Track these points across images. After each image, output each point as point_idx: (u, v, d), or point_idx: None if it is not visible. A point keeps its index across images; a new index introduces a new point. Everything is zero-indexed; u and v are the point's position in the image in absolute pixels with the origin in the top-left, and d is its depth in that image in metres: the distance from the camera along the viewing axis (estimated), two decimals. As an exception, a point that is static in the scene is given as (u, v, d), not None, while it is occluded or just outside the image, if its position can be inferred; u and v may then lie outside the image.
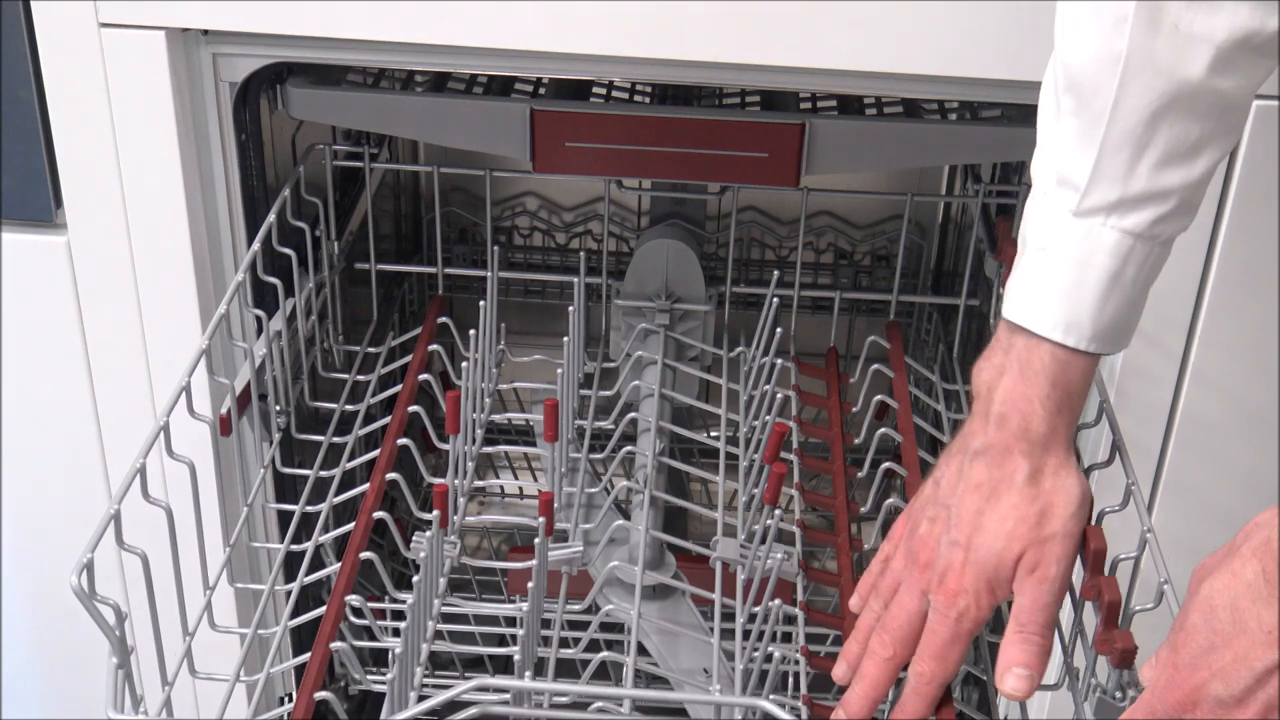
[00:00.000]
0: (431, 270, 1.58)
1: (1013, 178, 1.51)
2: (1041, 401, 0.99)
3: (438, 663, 1.54)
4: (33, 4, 1.18)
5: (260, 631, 1.16)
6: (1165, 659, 0.85)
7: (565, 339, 1.31)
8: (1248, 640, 0.81)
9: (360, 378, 1.45)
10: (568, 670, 1.30)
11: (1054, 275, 0.98)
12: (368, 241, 1.52)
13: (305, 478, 1.30)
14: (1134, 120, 0.93)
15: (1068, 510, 1.00)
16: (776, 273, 1.45)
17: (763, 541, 1.17)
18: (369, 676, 1.13)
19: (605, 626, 1.22)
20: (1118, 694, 0.97)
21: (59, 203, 1.26)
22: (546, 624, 1.24)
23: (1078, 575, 1.04)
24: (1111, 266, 0.96)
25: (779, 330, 1.37)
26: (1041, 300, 0.98)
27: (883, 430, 1.32)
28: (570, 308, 1.35)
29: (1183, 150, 0.94)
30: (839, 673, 1.07)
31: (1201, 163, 0.95)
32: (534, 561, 1.10)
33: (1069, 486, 1.00)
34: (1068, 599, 1.07)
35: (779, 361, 1.35)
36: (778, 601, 1.08)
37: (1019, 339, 0.99)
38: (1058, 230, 0.97)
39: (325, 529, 1.22)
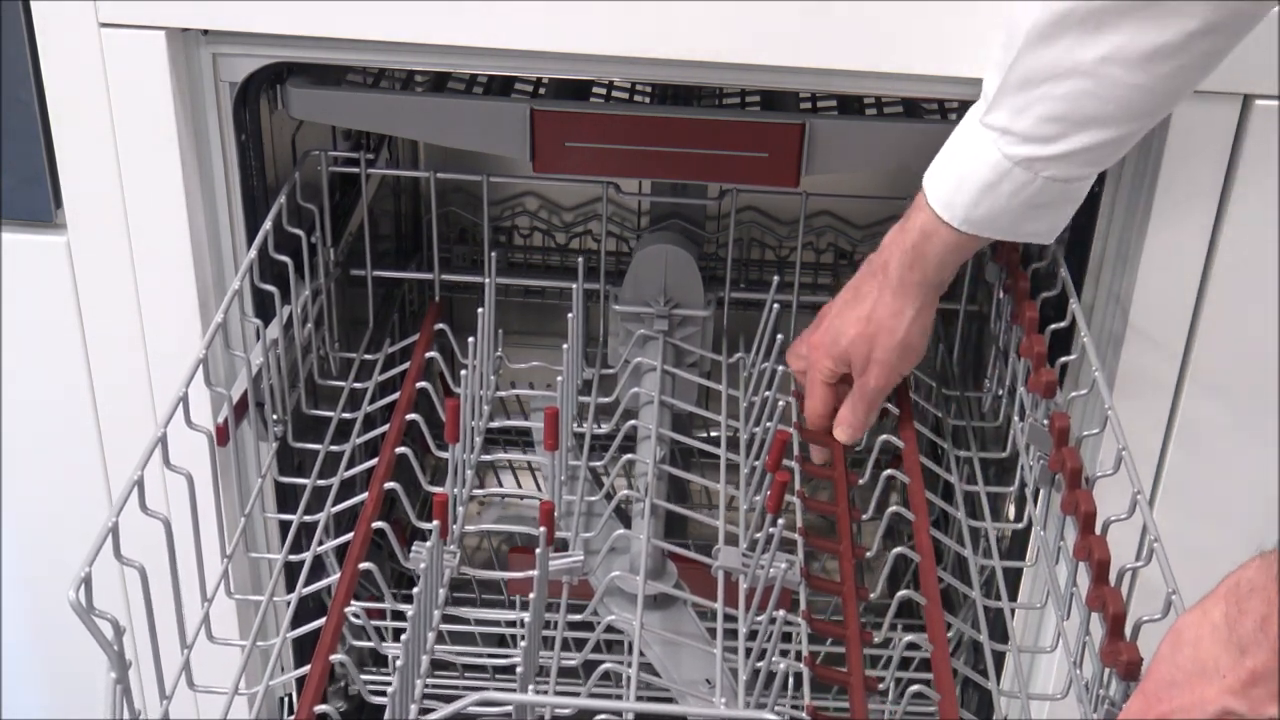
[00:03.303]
0: (429, 276, 1.57)
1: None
2: (903, 253, 1.19)
3: (438, 665, 1.53)
4: (33, 4, 1.17)
5: (260, 643, 1.15)
6: (1139, 685, 0.89)
7: (564, 346, 1.30)
8: (1205, 682, 0.83)
9: (358, 385, 1.44)
10: (569, 675, 1.29)
11: (952, 160, 1.14)
12: (365, 245, 1.51)
13: (304, 486, 1.30)
14: (1030, 74, 1.05)
15: (886, 346, 1.23)
16: (776, 278, 1.45)
17: (765, 550, 1.16)
18: (370, 681, 1.13)
19: (607, 631, 1.21)
20: (1125, 705, 0.97)
21: (59, 203, 1.26)
22: (548, 624, 1.23)
23: (1082, 579, 1.04)
24: (989, 177, 1.10)
25: (779, 336, 1.36)
26: (938, 172, 1.15)
27: (883, 436, 1.31)
28: (570, 314, 1.34)
29: (1071, 115, 1.05)
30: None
31: (1089, 134, 1.06)
32: (535, 572, 1.09)
33: (894, 329, 1.22)
34: (1075, 610, 1.07)
35: (779, 368, 1.35)
36: (781, 612, 1.08)
37: (921, 193, 1.16)
38: (968, 126, 1.13)
39: (324, 538, 1.21)
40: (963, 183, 1.12)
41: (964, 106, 1.32)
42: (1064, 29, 1.02)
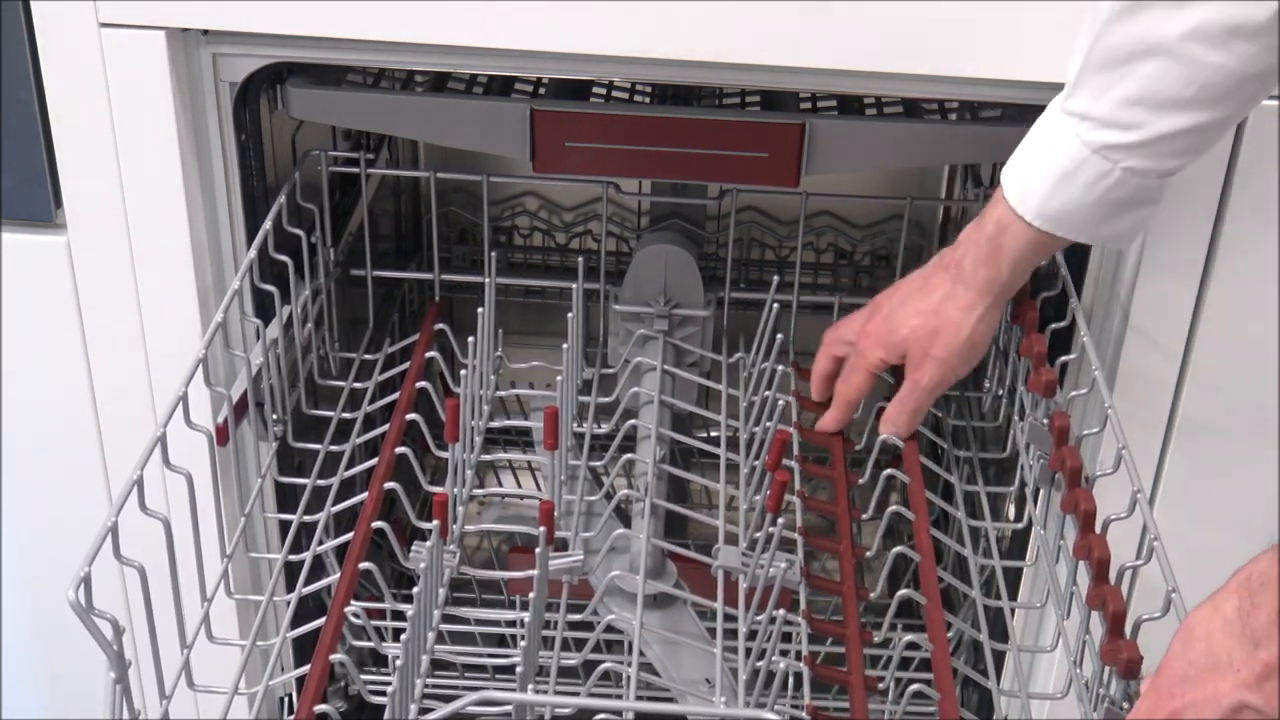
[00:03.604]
0: (429, 276, 1.57)
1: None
2: (977, 246, 1.17)
3: (438, 664, 1.53)
4: (33, 4, 1.17)
5: (260, 643, 1.15)
6: (1150, 680, 0.89)
7: (564, 346, 1.30)
8: (1218, 676, 0.83)
9: (358, 385, 1.44)
10: (569, 674, 1.29)
11: (1030, 150, 1.12)
12: (365, 245, 1.51)
13: (304, 486, 1.30)
14: (1112, 53, 1.04)
15: (951, 344, 1.21)
16: (776, 278, 1.45)
17: (765, 550, 1.16)
18: (370, 681, 1.13)
19: (607, 631, 1.21)
20: (1125, 704, 0.97)
21: (59, 203, 1.25)
22: (548, 624, 1.23)
23: (1083, 579, 1.04)
24: (1066, 167, 1.08)
25: (779, 336, 1.36)
26: (1015, 163, 1.13)
27: (883, 436, 1.31)
28: (570, 314, 1.34)
29: (1152, 99, 1.03)
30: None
31: (1170, 121, 1.04)
32: (535, 571, 1.09)
33: (960, 326, 1.20)
34: (1075, 609, 1.07)
35: (779, 368, 1.35)
36: (781, 612, 1.08)
37: (999, 189, 1.14)
38: (1048, 115, 1.11)
39: (324, 538, 1.21)
40: (1040, 172, 1.10)
41: (964, 106, 1.33)
42: (1148, 3, 1.01)
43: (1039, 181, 1.10)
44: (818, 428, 1.35)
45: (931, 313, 1.21)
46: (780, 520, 1.13)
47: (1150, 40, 1.01)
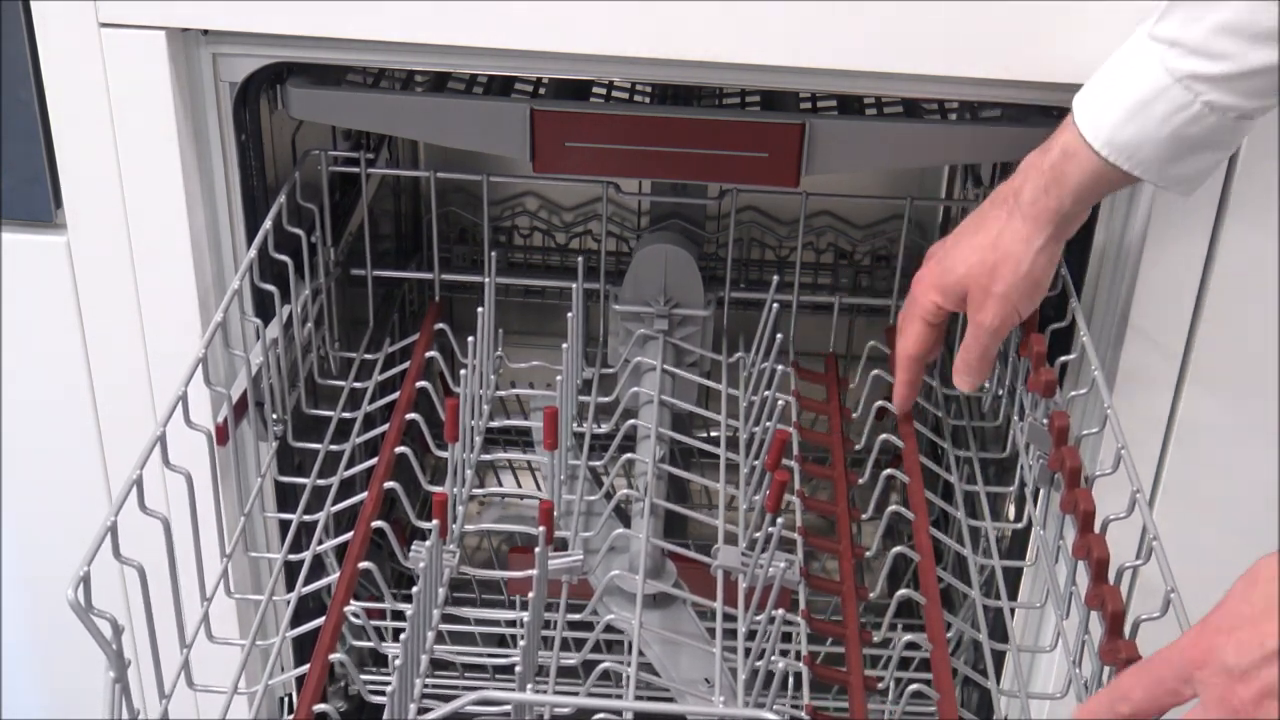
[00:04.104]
0: (429, 276, 1.57)
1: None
2: (1039, 173, 1.12)
3: (437, 664, 1.53)
4: (33, 4, 1.17)
5: (259, 643, 1.15)
6: (1203, 618, 0.87)
7: (564, 345, 1.30)
8: (1270, 622, 0.82)
9: (358, 384, 1.44)
10: (568, 674, 1.29)
11: (1107, 75, 1.08)
12: (365, 245, 1.51)
13: (303, 486, 1.30)
14: None
15: (1012, 278, 1.15)
16: (776, 278, 1.45)
17: (765, 549, 1.16)
18: (370, 681, 1.13)
19: (606, 630, 1.21)
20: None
21: (59, 203, 1.25)
22: (548, 624, 1.23)
23: (1082, 578, 1.04)
24: (1144, 94, 1.05)
25: (779, 335, 1.36)
26: (1091, 91, 1.09)
27: (883, 435, 1.31)
28: (570, 314, 1.34)
29: (1248, 29, 1.00)
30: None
31: (1262, 53, 1.01)
32: (534, 571, 1.09)
33: (1019, 259, 1.15)
34: (1074, 609, 1.07)
35: (779, 367, 1.35)
36: (781, 611, 1.08)
37: (1069, 116, 1.10)
38: (1133, 41, 1.07)
39: (324, 537, 1.21)
40: (1115, 98, 1.07)
41: (964, 106, 1.33)
42: None
43: (1113, 108, 1.07)
44: (899, 410, 1.31)
45: (989, 247, 1.16)
46: (780, 520, 1.13)
47: None
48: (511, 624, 1.43)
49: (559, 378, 1.28)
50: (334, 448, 1.34)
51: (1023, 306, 1.18)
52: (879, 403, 1.35)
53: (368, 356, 1.49)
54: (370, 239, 1.51)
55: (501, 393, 1.52)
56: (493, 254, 1.45)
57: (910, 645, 1.18)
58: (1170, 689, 0.87)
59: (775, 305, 1.40)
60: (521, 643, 1.03)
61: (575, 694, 1.38)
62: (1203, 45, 1.02)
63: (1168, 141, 1.06)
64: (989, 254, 1.16)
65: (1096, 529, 1.04)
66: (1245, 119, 1.06)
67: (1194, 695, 0.85)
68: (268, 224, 1.26)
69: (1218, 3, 1.01)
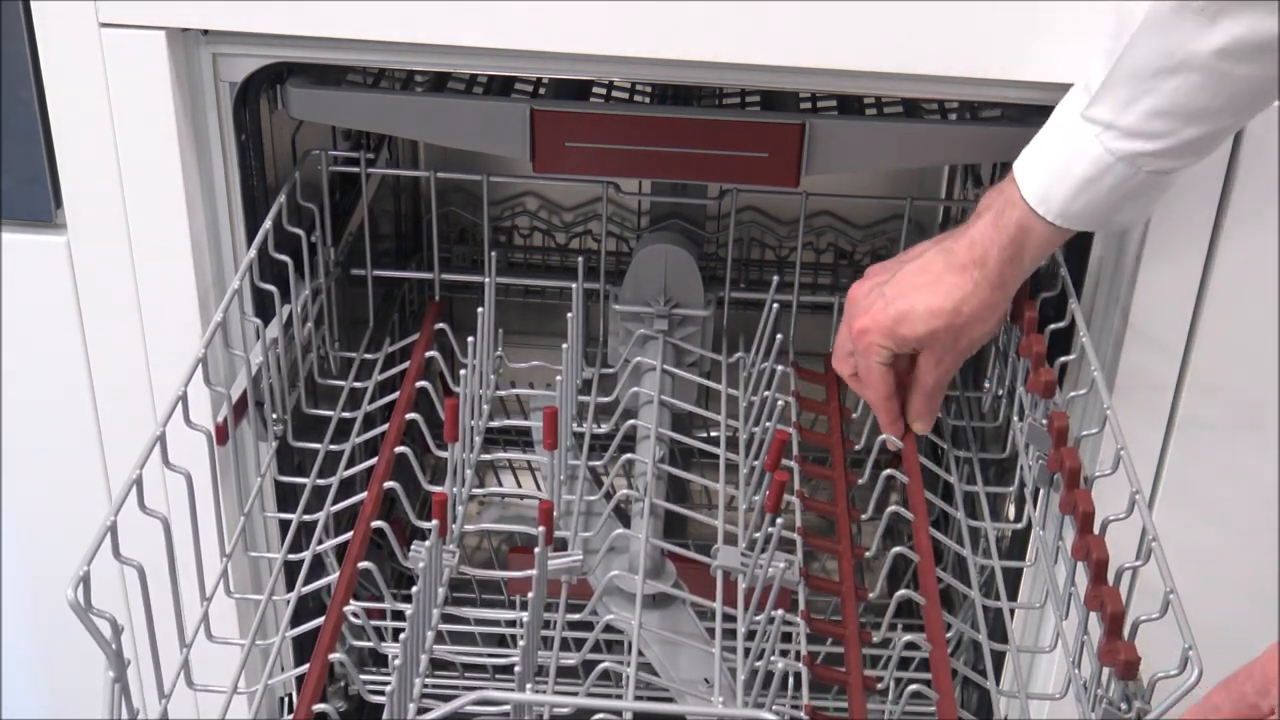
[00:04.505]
0: (429, 276, 1.57)
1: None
2: (1001, 248, 1.16)
3: (437, 664, 1.53)
4: (33, 4, 1.17)
5: (259, 642, 1.15)
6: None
7: (564, 346, 1.30)
8: None
9: (358, 384, 1.44)
10: (568, 674, 1.29)
11: (1048, 153, 1.12)
12: (365, 245, 1.51)
13: (303, 485, 1.30)
14: (1140, 66, 1.04)
15: (978, 336, 1.21)
16: (776, 278, 1.45)
17: (764, 550, 1.16)
18: (369, 680, 1.13)
19: (606, 630, 1.21)
20: (1123, 705, 0.97)
21: (59, 203, 1.25)
22: (547, 624, 1.23)
23: (1082, 580, 1.04)
24: (1089, 173, 1.09)
25: (779, 336, 1.36)
26: (1033, 166, 1.13)
27: (883, 436, 1.31)
28: (570, 314, 1.34)
29: (1180, 111, 1.04)
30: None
31: (1195, 128, 1.05)
32: (534, 571, 1.09)
33: (985, 321, 1.20)
34: (1074, 610, 1.07)
35: (779, 367, 1.35)
36: (780, 612, 1.08)
37: (1012, 187, 1.14)
38: (1066, 119, 1.10)
39: (324, 537, 1.21)
40: (1061, 178, 1.11)
41: (964, 106, 1.33)
42: (1181, 19, 1.01)
43: (1061, 186, 1.11)
44: (888, 434, 1.31)
45: (953, 312, 1.19)
46: (779, 520, 1.13)
47: (1180, 56, 1.01)
48: (511, 624, 1.43)
49: (559, 378, 1.28)
50: (334, 447, 1.34)
51: (971, 354, 1.25)
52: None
53: (368, 356, 1.49)
54: (370, 239, 1.51)
55: (501, 393, 1.52)
56: (493, 254, 1.45)
57: (910, 645, 1.18)
58: (1251, 703, 0.87)
59: (775, 305, 1.40)
60: (521, 643, 1.03)
61: (575, 694, 1.38)
62: (1139, 128, 1.06)
63: (1118, 201, 1.11)
64: (954, 319, 1.19)
65: (1096, 530, 1.04)
66: (1188, 168, 1.10)
67: (1272, 710, 0.86)
68: (268, 224, 1.26)
69: (1150, 89, 1.04)
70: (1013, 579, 1.39)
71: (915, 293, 1.20)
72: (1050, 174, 1.11)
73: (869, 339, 1.23)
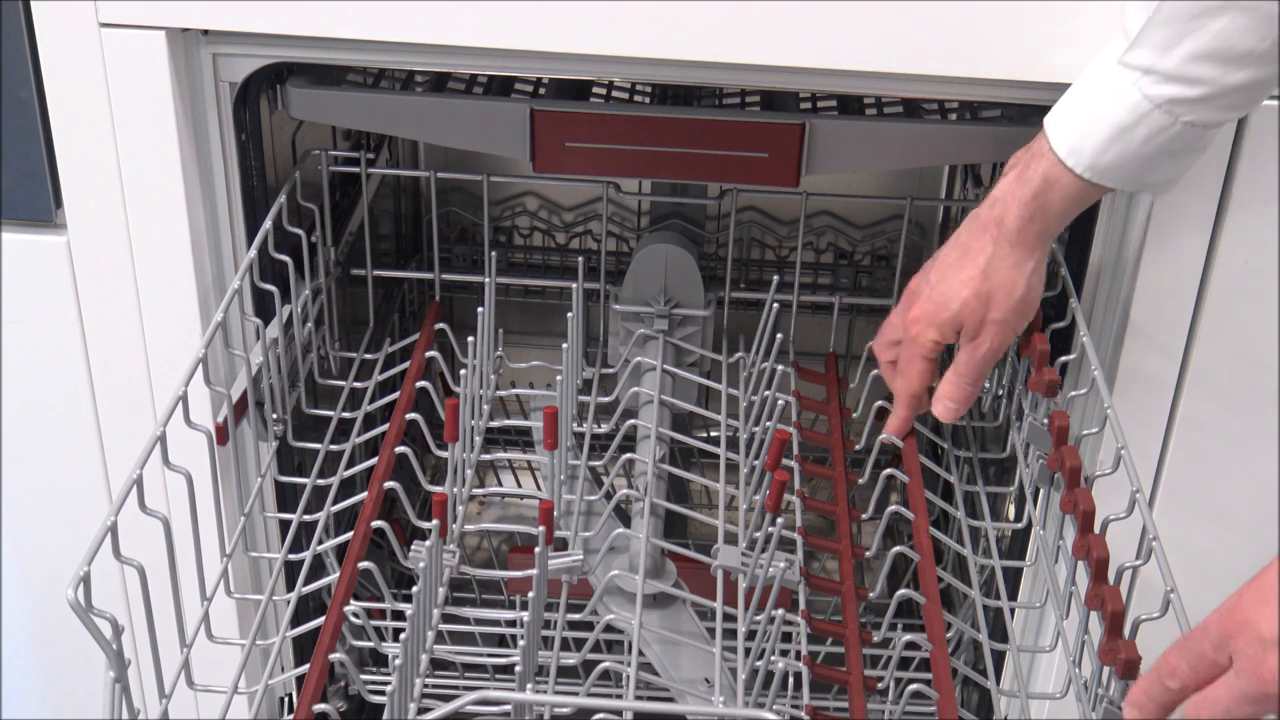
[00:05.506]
0: (429, 276, 1.57)
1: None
2: (1022, 204, 1.13)
3: (437, 663, 1.53)
4: (33, 4, 1.17)
5: (259, 642, 1.15)
6: (1239, 589, 0.89)
7: (564, 345, 1.30)
8: None
9: (358, 384, 1.44)
10: (568, 674, 1.29)
11: (1082, 102, 1.09)
12: (365, 245, 1.51)
13: (303, 485, 1.30)
14: (1183, 7, 1.01)
15: (1007, 304, 1.16)
16: (776, 277, 1.45)
17: (764, 550, 1.16)
18: (370, 680, 1.13)
19: (606, 630, 1.21)
20: (1123, 704, 0.97)
21: (59, 203, 1.25)
22: (548, 624, 1.23)
23: (1082, 579, 1.04)
24: (1124, 121, 1.06)
25: (779, 335, 1.36)
26: (1064, 116, 1.10)
27: (883, 435, 1.31)
28: (569, 314, 1.34)
29: (1224, 54, 1.01)
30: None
31: (1241, 74, 1.02)
32: (534, 571, 1.09)
33: (1014, 284, 1.16)
34: (1074, 609, 1.07)
35: (779, 367, 1.35)
36: (780, 611, 1.08)
37: (1041, 140, 1.12)
38: (1103, 67, 1.08)
39: (324, 537, 1.21)
40: (1093, 126, 1.07)
41: (964, 106, 1.33)
42: None
43: (1092, 135, 1.08)
44: (887, 430, 1.30)
45: (980, 278, 1.16)
46: (780, 520, 1.13)
47: None
48: (511, 624, 1.43)
49: (559, 378, 1.28)
50: (334, 447, 1.34)
51: (1018, 327, 1.19)
52: (879, 403, 1.35)
53: (368, 356, 1.49)
54: (370, 239, 1.51)
55: (501, 393, 1.52)
56: (493, 254, 1.45)
57: (910, 645, 1.18)
58: (1210, 660, 0.87)
59: (775, 305, 1.40)
60: (521, 643, 1.03)
61: (575, 694, 1.38)
62: (1179, 72, 1.03)
63: (1150, 156, 1.07)
64: (981, 284, 1.16)
65: (1096, 529, 1.04)
66: (1223, 125, 1.08)
67: (1230, 664, 0.86)
68: (268, 224, 1.26)
69: (1193, 30, 1.01)
70: (1013, 578, 1.39)
71: (948, 271, 1.19)
72: (1082, 124, 1.08)
73: (918, 328, 1.21)
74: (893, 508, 1.25)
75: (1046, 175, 1.11)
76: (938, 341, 1.21)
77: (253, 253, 1.22)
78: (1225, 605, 0.88)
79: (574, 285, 1.39)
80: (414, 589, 1.04)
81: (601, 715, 1.00)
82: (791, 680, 1.14)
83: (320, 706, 1.06)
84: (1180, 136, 1.06)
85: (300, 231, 1.33)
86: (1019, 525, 1.35)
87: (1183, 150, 1.08)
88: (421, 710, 1.01)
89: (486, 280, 1.41)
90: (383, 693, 0.98)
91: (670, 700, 1.32)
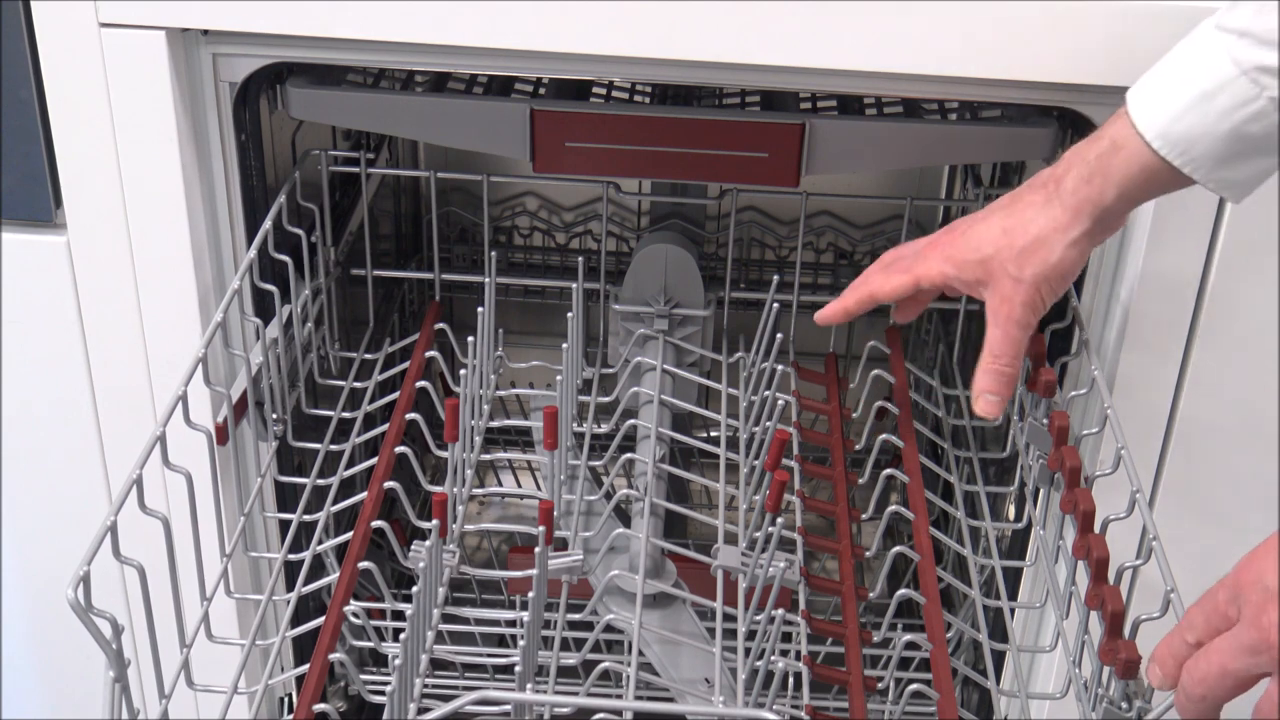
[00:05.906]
0: (429, 276, 1.57)
1: (1012, 179, 1.51)
2: (1084, 163, 1.06)
3: (437, 663, 1.54)
4: (33, 4, 1.17)
5: (259, 642, 1.15)
6: (1261, 542, 0.88)
7: (564, 345, 1.30)
8: None
9: (358, 384, 1.44)
10: (568, 674, 1.29)
11: (1167, 65, 1.03)
12: (365, 245, 1.51)
13: (303, 485, 1.30)
14: None
15: (1041, 266, 1.08)
16: (776, 277, 1.45)
17: (764, 549, 1.16)
18: (369, 680, 1.13)
19: (606, 630, 1.21)
20: (1124, 704, 0.97)
21: (59, 203, 1.25)
22: (548, 624, 1.23)
23: (1082, 579, 1.04)
24: (1205, 86, 1.00)
25: (779, 335, 1.36)
26: (1146, 80, 1.04)
27: (883, 435, 1.31)
28: (569, 314, 1.34)
29: None
30: None
31: None
32: (534, 571, 1.09)
33: (1051, 246, 1.08)
34: (1074, 609, 1.07)
35: (779, 367, 1.35)
36: (780, 611, 1.08)
37: (1122, 109, 1.05)
38: (1198, 33, 1.02)
39: (324, 537, 1.21)
40: (1173, 89, 1.01)
41: (964, 106, 1.33)
42: None
43: (1171, 99, 1.01)
44: (817, 316, 1.24)
45: (1020, 230, 1.08)
46: (780, 520, 1.13)
47: None
48: (511, 624, 1.43)
49: (559, 378, 1.28)
50: (334, 447, 1.34)
51: (1048, 299, 1.11)
52: (879, 403, 1.35)
53: (368, 356, 1.49)
54: (370, 239, 1.51)
55: (501, 393, 1.52)
56: (493, 254, 1.45)
57: (910, 645, 1.18)
58: (1222, 613, 0.87)
59: (775, 305, 1.40)
60: (521, 643, 1.03)
61: (575, 694, 1.38)
62: (1275, 34, 0.97)
63: (1224, 139, 1.01)
64: (1018, 237, 1.09)
65: (1096, 529, 1.04)
66: None
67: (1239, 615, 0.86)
68: (268, 224, 1.26)
69: None
70: (1013, 578, 1.39)
71: (994, 214, 1.12)
72: (1162, 85, 1.03)
73: (935, 256, 1.15)
74: (893, 508, 1.25)
75: (1115, 137, 1.05)
76: (946, 277, 1.14)
77: (252, 253, 1.23)
78: (1245, 557, 0.87)
79: (574, 285, 1.39)
80: (414, 589, 1.04)
81: (601, 715, 1.00)
82: (791, 680, 1.14)
83: (320, 706, 1.06)
84: (1260, 117, 0.99)
85: (300, 231, 1.33)
86: (1019, 525, 1.35)
87: (1259, 144, 1.01)
88: (421, 710, 1.01)
89: (486, 280, 1.41)
90: (382, 693, 0.98)
91: (670, 700, 1.32)
